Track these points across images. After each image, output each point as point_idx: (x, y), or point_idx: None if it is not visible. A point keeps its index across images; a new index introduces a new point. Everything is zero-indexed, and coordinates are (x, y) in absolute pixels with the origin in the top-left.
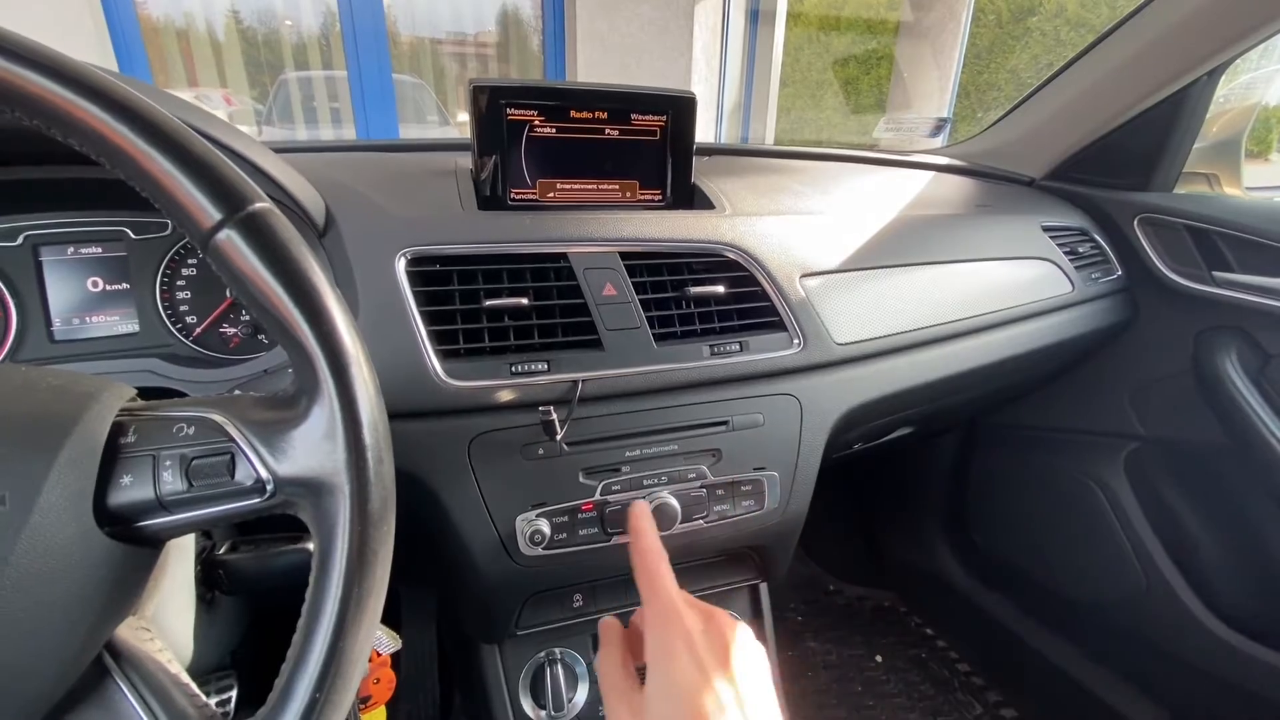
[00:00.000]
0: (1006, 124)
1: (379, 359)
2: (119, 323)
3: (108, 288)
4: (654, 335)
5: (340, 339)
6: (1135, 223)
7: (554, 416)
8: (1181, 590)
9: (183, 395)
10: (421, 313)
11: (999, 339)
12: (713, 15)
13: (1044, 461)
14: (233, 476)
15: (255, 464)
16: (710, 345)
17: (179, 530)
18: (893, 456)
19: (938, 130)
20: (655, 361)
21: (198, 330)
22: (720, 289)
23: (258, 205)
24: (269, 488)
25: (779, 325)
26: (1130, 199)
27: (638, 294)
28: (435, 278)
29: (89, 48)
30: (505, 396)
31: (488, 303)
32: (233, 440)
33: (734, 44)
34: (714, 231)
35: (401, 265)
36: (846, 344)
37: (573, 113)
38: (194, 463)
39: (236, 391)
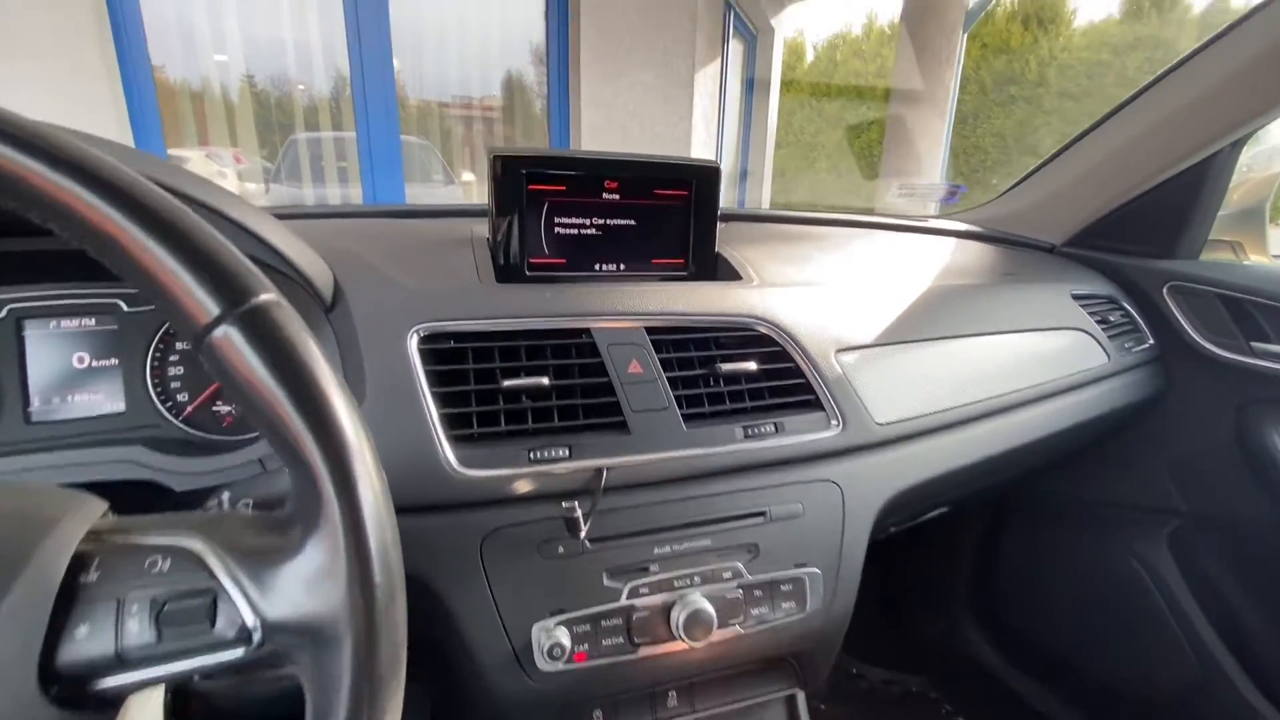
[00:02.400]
0: (1023, 190)
1: (384, 446)
2: (103, 401)
3: (94, 364)
4: (683, 416)
5: (349, 458)
6: (1165, 291)
7: (578, 513)
8: (1240, 681)
9: (167, 489)
10: (434, 394)
11: (1041, 413)
12: (711, 83)
13: (1080, 537)
14: (213, 625)
15: (241, 607)
16: (743, 426)
17: (142, 687)
18: (918, 531)
19: (951, 196)
20: (685, 445)
21: (189, 409)
22: (752, 365)
23: (262, 298)
24: (256, 636)
25: (815, 404)
26: (1157, 266)
27: (665, 371)
28: (449, 356)
29: (105, 110)
30: (523, 487)
31: (505, 383)
32: (215, 578)
33: (731, 110)
34: (744, 304)
35: (414, 343)
36: (887, 424)
37: (593, 182)
38: (166, 608)
39: (226, 495)
